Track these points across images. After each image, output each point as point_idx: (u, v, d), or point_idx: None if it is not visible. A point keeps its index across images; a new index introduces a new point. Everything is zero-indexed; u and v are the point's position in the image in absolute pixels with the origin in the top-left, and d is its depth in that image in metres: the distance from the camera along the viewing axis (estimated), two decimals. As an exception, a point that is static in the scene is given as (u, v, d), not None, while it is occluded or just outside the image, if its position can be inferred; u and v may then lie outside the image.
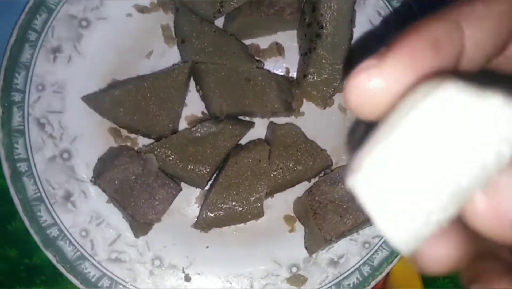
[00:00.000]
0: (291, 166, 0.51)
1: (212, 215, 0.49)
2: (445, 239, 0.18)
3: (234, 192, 0.49)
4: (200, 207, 0.52)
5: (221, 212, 0.49)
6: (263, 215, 0.51)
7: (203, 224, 0.49)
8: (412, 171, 0.15)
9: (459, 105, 0.15)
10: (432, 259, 0.18)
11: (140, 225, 0.46)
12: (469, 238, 0.19)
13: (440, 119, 0.15)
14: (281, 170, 0.51)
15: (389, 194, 0.15)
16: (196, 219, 0.51)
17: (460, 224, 0.18)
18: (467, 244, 0.19)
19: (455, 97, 0.15)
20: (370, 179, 0.15)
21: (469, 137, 0.15)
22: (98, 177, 0.46)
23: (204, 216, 0.49)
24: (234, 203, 0.49)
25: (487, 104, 0.15)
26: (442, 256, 0.18)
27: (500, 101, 0.15)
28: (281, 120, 0.54)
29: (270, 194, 0.52)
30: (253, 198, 0.50)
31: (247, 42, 0.55)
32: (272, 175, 0.50)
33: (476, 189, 0.15)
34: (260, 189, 0.50)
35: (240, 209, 0.49)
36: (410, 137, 0.15)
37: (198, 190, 0.52)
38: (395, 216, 0.15)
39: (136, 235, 0.48)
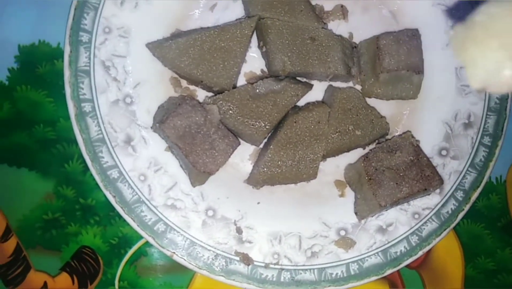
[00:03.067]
0: (350, 129, 0.50)
1: (267, 171, 0.49)
2: None
3: (292, 151, 0.49)
4: (253, 164, 0.52)
5: (277, 169, 0.49)
6: (316, 177, 0.51)
7: (258, 179, 0.49)
8: None
9: None
10: None
11: (199, 174, 0.47)
12: None
13: None
14: (339, 133, 0.50)
15: None
16: (249, 175, 0.51)
17: None
18: None
19: None
20: None
21: None
22: (162, 122, 0.46)
23: (259, 171, 0.49)
24: (290, 162, 0.49)
25: None
26: None
27: None
28: (338, 85, 0.54)
29: (323, 157, 0.52)
30: (309, 158, 0.50)
31: (312, 2, 0.53)
32: (330, 137, 0.50)
33: None
34: (317, 150, 0.50)
35: (295, 168, 0.49)
36: None
37: (252, 147, 0.53)
38: None
39: (193, 184, 0.48)
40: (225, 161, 0.47)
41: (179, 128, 0.46)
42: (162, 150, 0.50)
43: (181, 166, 0.50)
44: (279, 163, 0.49)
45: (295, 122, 0.49)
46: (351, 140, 0.51)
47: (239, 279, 0.49)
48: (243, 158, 0.53)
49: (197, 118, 0.47)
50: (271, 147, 0.49)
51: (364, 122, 0.51)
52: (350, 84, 0.54)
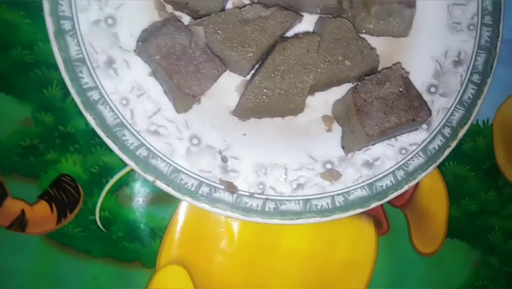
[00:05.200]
0: (339, 59, 0.49)
1: (254, 99, 0.48)
2: None
3: (279, 79, 0.48)
4: (239, 96, 0.51)
5: (264, 97, 0.48)
6: (303, 110, 0.50)
7: (245, 109, 0.48)
8: None
9: None
10: None
11: (184, 98, 0.45)
12: None
13: None
14: (328, 63, 0.49)
15: None
16: (235, 106, 0.50)
17: None
18: None
19: None
20: None
21: None
22: (145, 41, 0.44)
23: (245, 99, 0.48)
24: (278, 90, 0.48)
25: None
26: None
27: None
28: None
29: (312, 90, 0.51)
30: (297, 88, 0.48)
31: None
32: (319, 67, 0.49)
33: None
34: (305, 79, 0.48)
35: (282, 97, 0.48)
36: None
37: (239, 79, 0.51)
38: None
39: (177, 109, 0.47)
40: (210, 85, 0.46)
41: (163, 48, 0.45)
42: (146, 75, 0.48)
43: (165, 92, 0.48)
44: (265, 91, 0.48)
45: (283, 49, 0.48)
46: (340, 71, 0.50)
47: (223, 207, 0.48)
48: (230, 89, 0.51)
49: (182, 40, 0.45)
50: (258, 73, 0.48)
51: (354, 53, 0.50)
52: (341, 19, 0.53)
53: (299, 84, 0.48)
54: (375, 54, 0.51)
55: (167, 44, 0.44)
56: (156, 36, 0.44)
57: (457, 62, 0.54)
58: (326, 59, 0.49)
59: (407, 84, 0.49)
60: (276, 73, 0.48)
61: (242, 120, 0.50)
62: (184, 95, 0.45)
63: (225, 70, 0.47)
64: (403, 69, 0.50)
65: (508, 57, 0.58)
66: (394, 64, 0.51)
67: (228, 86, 0.51)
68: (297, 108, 0.49)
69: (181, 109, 0.47)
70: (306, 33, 0.50)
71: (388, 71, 0.50)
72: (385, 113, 0.48)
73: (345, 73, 0.50)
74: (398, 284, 0.56)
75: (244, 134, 0.51)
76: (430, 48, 0.54)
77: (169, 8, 0.50)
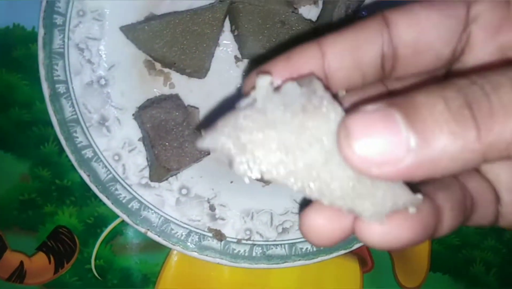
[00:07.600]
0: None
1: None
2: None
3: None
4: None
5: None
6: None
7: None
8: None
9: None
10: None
11: (159, 168, 0.47)
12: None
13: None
14: None
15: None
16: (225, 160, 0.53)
17: None
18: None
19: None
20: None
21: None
22: (143, 108, 0.47)
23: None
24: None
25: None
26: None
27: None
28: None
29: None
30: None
31: (283, -12, 0.55)
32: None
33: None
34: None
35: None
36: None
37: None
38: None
39: (151, 178, 0.49)
40: (188, 164, 0.48)
41: (157, 119, 0.48)
42: (136, 132, 0.51)
43: (146, 158, 0.50)
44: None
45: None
46: None
47: (212, 255, 0.50)
48: (217, 139, 0.54)
49: (177, 117, 0.48)
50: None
51: None
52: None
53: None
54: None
55: (161, 116, 0.47)
56: (154, 107, 0.47)
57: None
58: None
59: None
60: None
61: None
62: (160, 166, 0.47)
63: (208, 155, 0.49)
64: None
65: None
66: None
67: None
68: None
69: (155, 178, 0.49)
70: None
71: None
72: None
73: None
74: (384, 320, 0.58)
75: (231, 182, 0.53)
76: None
77: (158, 65, 0.53)
